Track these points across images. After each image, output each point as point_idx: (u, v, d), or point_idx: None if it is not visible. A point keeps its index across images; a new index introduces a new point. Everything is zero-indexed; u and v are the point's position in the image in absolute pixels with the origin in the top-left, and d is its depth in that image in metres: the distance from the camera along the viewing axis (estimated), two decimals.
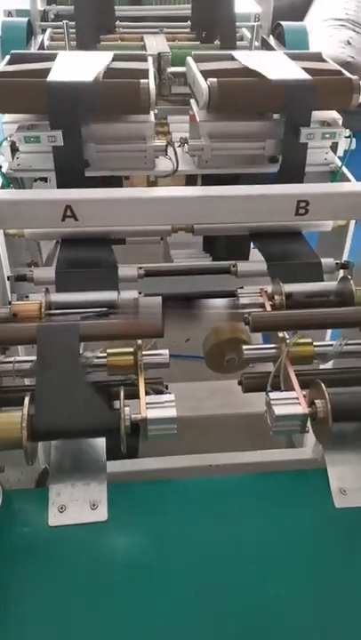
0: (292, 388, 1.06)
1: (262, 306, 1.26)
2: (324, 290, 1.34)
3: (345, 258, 1.57)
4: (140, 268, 1.41)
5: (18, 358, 1.12)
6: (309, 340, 1.16)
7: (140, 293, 1.29)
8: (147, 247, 1.75)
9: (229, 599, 0.95)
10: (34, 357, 1.08)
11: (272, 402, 1.02)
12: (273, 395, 1.04)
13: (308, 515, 1.04)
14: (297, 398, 1.03)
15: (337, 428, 1.03)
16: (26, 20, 2.39)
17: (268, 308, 1.24)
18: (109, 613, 0.93)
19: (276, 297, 1.27)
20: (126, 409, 1.00)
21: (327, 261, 1.45)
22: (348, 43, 5.17)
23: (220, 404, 2.21)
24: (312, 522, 1.04)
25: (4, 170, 1.48)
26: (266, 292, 1.29)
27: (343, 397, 1.03)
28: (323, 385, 1.02)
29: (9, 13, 2.78)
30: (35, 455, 1.02)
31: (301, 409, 1.01)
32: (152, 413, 0.99)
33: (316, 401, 1.03)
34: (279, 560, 0.99)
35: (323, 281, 1.39)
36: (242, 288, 1.32)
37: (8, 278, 1.39)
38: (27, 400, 0.98)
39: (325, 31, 5.47)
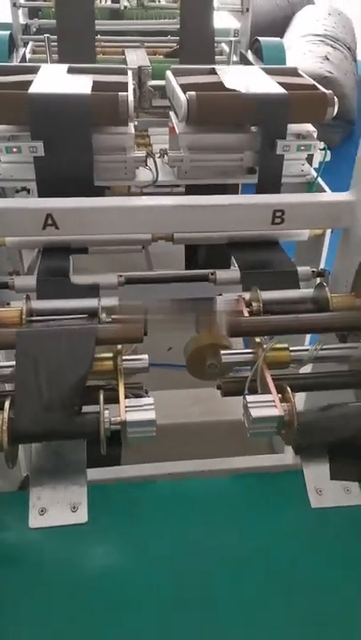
0: (268, 392, 1.09)
1: (240, 313, 1.29)
2: (300, 297, 1.38)
3: (322, 266, 1.61)
4: (120, 275, 1.43)
5: None
6: (285, 346, 1.19)
7: (120, 300, 1.31)
8: (129, 257, 1.77)
9: (211, 598, 0.97)
10: (13, 362, 1.10)
11: (249, 405, 1.04)
12: (250, 398, 1.07)
13: (285, 514, 1.07)
14: (273, 401, 1.06)
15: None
16: (7, 33, 2.42)
17: (246, 315, 1.27)
18: (91, 613, 0.94)
19: (254, 304, 1.30)
20: (106, 412, 1.02)
21: (304, 270, 1.48)
22: (326, 58, 5.28)
23: (202, 411, 2.23)
24: (289, 521, 1.06)
25: None
26: (244, 299, 1.33)
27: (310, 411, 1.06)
28: (289, 390, 1.05)
29: None
30: (15, 459, 1.03)
31: (277, 411, 1.03)
32: (131, 416, 1.01)
33: (282, 404, 1.05)
34: (258, 559, 1.01)
35: (299, 288, 1.43)
36: (220, 295, 1.35)
37: None
38: (7, 404, 1.00)
39: (304, 47, 5.59)
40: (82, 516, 1.02)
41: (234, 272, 1.47)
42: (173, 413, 2.21)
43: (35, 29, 2.87)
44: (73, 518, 1.02)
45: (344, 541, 1.03)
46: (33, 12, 2.92)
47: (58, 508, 1.03)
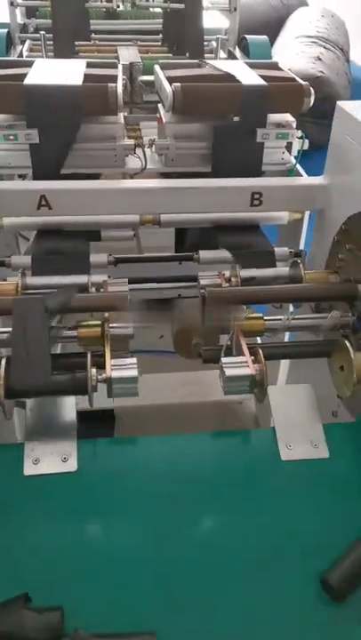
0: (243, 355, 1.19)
1: (220, 286, 1.39)
2: (276, 274, 1.48)
3: (301, 248, 1.71)
4: (110, 255, 1.53)
5: None
6: (260, 315, 1.29)
7: (108, 277, 1.41)
8: (121, 245, 1.87)
9: (196, 539, 1.06)
10: (9, 329, 1.20)
11: (224, 365, 1.15)
12: (225, 359, 1.17)
13: (259, 464, 1.16)
14: (246, 362, 1.16)
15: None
16: (5, 31, 2.52)
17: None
18: (79, 558, 1.04)
19: (233, 279, 1.40)
20: (93, 370, 1.12)
21: (282, 250, 1.58)
22: (319, 58, 5.39)
23: (188, 393, 2.33)
24: (264, 473, 1.16)
25: None
26: (223, 275, 1.43)
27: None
28: (261, 352, 1.16)
29: None
30: (11, 412, 1.13)
31: (249, 371, 1.13)
32: (116, 373, 1.11)
33: (255, 365, 1.15)
34: (238, 505, 1.11)
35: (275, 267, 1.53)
36: (203, 272, 1.45)
37: None
38: (3, 361, 1.10)
39: (297, 47, 5.70)
40: (72, 465, 1.12)
41: (215, 252, 1.57)
42: (161, 395, 2.31)
43: (32, 29, 2.98)
44: (63, 467, 1.12)
45: (311, 488, 1.13)
46: (31, 12, 3.03)
47: (50, 458, 1.13)
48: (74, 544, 1.04)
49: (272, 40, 6.19)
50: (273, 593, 1.00)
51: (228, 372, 1.13)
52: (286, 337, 2.08)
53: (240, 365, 1.15)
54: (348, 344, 1.16)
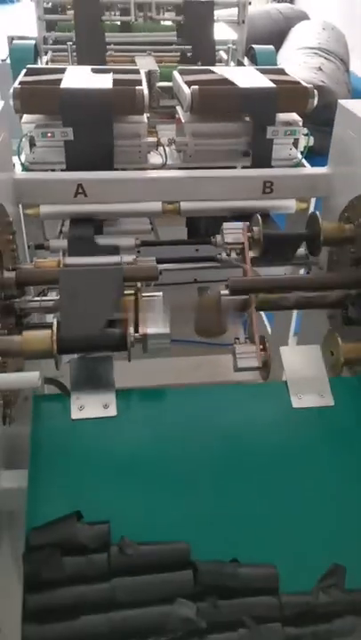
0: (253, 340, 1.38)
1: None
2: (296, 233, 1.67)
3: None
4: (137, 238, 1.72)
5: (43, 298, 1.42)
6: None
7: (137, 257, 1.60)
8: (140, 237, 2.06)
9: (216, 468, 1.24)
10: (53, 298, 1.38)
11: (237, 355, 1.35)
12: (238, 349, 1.36)
13: (275, 411, 1.34)
14: (254, 353, 1.35)
15: None
16: (33, 42, 2.73)
17: (247, 243, 1.50)
18: (120, 484, 1.21)
19: (255, 228, 1.52)
20: (130, 329, 1.30)
21: None
22: (320, 69, 5.62)
23: (203, 374, 2.51)
24: (278, 417, 1.33)
25: (23, 161, 1.79)
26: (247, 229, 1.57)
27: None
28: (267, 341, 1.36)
29: (12, 39, 3.13)
30: (60, 365, 1.31)
31: (256, 363, 1.34)
32: (151, 330, 1.29)
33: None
34: (256, 440, 1.29)
35: None
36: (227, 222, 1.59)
37: (28, 247, 1.70)
38: (55, 321, 1.28)
39: (299, 58, 5.93)
40: (112, 411, 1.30)
41: None
42: (178, 376, 2.49)
43: (51, 41, 3.19)
44: (105, 412, 1.30)
45: (320, 431, 1.31)
46: (50, 26, 3.24)
47: (93, 405, 1.30)
48: (116, 473, 1.22)
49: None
50: (289, 508, 1.17)
51: (240, 363, 1.33)
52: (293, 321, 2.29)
53: (249, 356, 1.34)
54: (336, 335, 1.35)
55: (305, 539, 1.16)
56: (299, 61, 5.81)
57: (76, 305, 1.32)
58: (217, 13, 3.26)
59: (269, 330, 2.41)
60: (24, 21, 3.29)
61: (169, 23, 3.26)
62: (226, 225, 1.51)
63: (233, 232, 1.50)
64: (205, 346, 2.46)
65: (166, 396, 1.37)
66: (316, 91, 1.81)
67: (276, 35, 6.86)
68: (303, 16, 7.37)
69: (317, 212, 1.57)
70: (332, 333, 1.38)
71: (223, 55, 2.86)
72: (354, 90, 6.18)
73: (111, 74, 1.88)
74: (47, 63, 2.67)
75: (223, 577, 1.06)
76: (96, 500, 1.17)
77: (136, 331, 1.32)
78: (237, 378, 1.44)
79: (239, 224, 1.51)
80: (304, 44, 6.32)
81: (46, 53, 2.85)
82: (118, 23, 3.27)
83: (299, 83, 1.89)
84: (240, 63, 2.76)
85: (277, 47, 6.56)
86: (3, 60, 3.28)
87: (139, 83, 1.83)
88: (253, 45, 2.81)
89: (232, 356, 1.38)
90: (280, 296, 1.44)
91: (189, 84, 1.85)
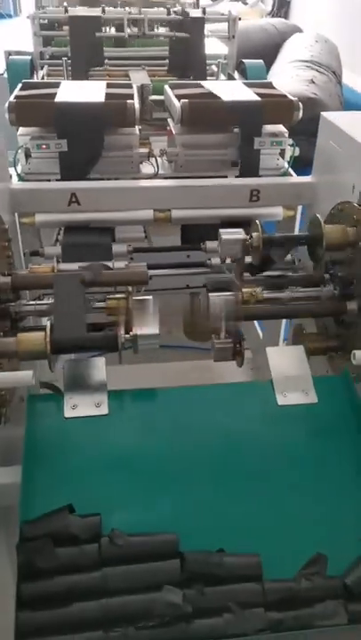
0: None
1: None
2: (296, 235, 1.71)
3: None
4: (130, 245, 1.78)
5: (37, 302, 1.47)
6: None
7: (128, 263, 1.66)
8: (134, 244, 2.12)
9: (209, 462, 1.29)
10: (47, 302, 1.44)
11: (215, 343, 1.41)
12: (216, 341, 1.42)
13: (261, 409, 1.40)
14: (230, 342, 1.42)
15: None
16: (29, 57, 2.81)
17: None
18: (111, 479, 1.26)
19: (254, 234, 1.51)
20: (121, 330, 1.36)
21: None
22: (312, 81, 5.72)
23: (198, 377, 2.57)
24: (264, 414, 1.39)
25: (19, 172, 1.85)
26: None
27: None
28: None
29: (9, 54, 3.22)
30: (54, 365, 1.37)
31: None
32: (141, 331, 1.35)
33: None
34: (244, 433, 1.34)
35: None
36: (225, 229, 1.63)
37: (24, 254, 1.76)
38: (48, 323, 1.34)
39: (292, 71, 6.04)
40: (104, 409, 1.35)
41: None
42: (173, 380, 2.55)
43: (48, 56, 3.28)
44: (97, 411, 1.35)
45: (303, 426, 1.36)
46: (47, 41, 3.33)
47: (85, 404, 1.36)
48: (106, 466, 1.27)
49: (268, 64, 6.55)
50: (274, 500, 1.23)
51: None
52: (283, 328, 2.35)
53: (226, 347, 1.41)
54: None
55: (289, 529, 1.21)
56: (291, 74, 5.92)
57: (68, 307, 1.38)
58: (210, 28, 3.36)
59: (261, 335, 2.47)
60: (22, 35, 3.37)
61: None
62: (223, 232, 1.49)
63: (230, 241, 1.48)
64: (200, 351, 2.51)
65: (156, 396, 1.42)
66: (300, 103, 1.88)
67: (270, 48, 6.99)
68: (297, 30, 7.51)
69: (318, 215, 1.52)
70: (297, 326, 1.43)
71: (215, 69, 2.94)
72: (346, 101, 6.28)
73: (104, 88, 1.95)
74: (43, 77, 2.75)
75: (209, 565, 1.11)
76: (88, 494, 1.22)
77: (127, 332, 1.37)
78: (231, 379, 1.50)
79: (238, 231, 1.49)
80: (297, 57, 6.43)
81: (42, 68, 2.93)
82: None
83: (285, 96, 1.96)
84: (231, 77, 2.84)
85: (271, 60, 6.71)
86: (0, 75, 3.36)
87: (130, 96, 1.90)
88: (244, 60, 2.90)
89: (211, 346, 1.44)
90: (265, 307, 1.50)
91: (180, 97, 1.92)
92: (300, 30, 7.56)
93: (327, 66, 6.35)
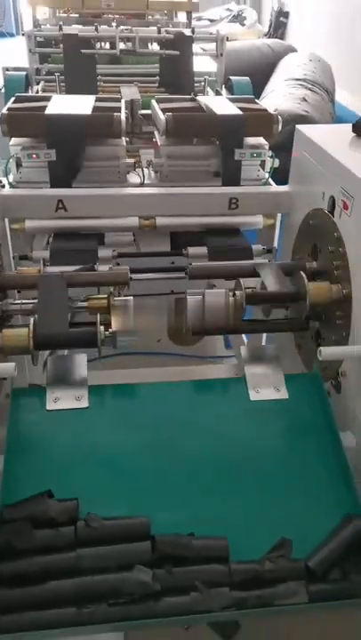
0: None
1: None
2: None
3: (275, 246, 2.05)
4: (114, 250, 1.86)
5: (23, 301, 1.55)
6: None
7: (112, 267, 1.74)
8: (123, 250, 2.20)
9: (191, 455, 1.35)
10: (33, 301, 1.51)
11: None
12: None
13: (234, 404, 1.47)
14: None
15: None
16: (24, 73, 2.92)
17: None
18: (89, 467, 1.33)
19: (238, 293, 1.55)
20: (101, 327, 1.43)
21: (256, 247, 1.92)
22: (304, 99, 5.85)
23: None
24: (237, 410, 1.46)
25: (10, 180, 1.93)
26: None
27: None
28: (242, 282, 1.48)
29: (6, 69, 3.33)
30: (37, 360, 1.44)
31: None
32: (119, 328, 1.42)
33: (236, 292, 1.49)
34: (216, 428, 1.41)
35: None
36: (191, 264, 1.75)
37: (13, 257, 1.84)
38: (32, 320, 1.41)
39: (285, 90, 6.18)
40: (84, 403, 1.42)
41: (202, 249, 1.90)
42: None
43: (44, 72, 3.39)
44: (77, 404, 1.42)
45: (274, 421, 1.43)
46: (43, 58, 3.45)
47: (66, 397, 1.43)
48: (85, 456, 1.33)
49: (263, 83, 6.73)
50: (244, 489, 1.29)
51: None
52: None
53: None
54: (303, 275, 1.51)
55: (258, 518, 1.27)
56: (284, 92, 6.05)
57: (52, 306, 1.46)
58: (203, 47, 3.48)
59: (245, 341, 2.54)
60: (22, 53, 3.49)
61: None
62: (207, 294, 1.55)
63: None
64: (190, 359, 2.57)
65: (135, 391, 1.49)
66: (280, 117, 1.97)
67: (265, 67, 7.15)
68: (291, 50, 7.68)
69: (302, 274, 1.54)
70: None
71: (203, 85, 3.05)
72: (338, 119, 6.42)
73: (93, 102, 2.04)
74: (38, 92, 2.85)
75: (178, 547, 1.17)
76: (66, 481, 1.28)
77: (106, 329, 1.45)
78: None
79: (220, 293, 1.55)
80: (290, 76, 6.58)
81: (38, 83, 3.04)
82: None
83: (265, 110, 2.05)
84: (218, 93, 2.95)
85: (266, 79, 6.87)
86: None
87: (118, 109, 1.99)
88: (231, 77, 3.01)
89: None
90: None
91: (165, 111, 2.01)
92: (294, 50, 7.74)
93: (320, 84, 6.50)
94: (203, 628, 1.57)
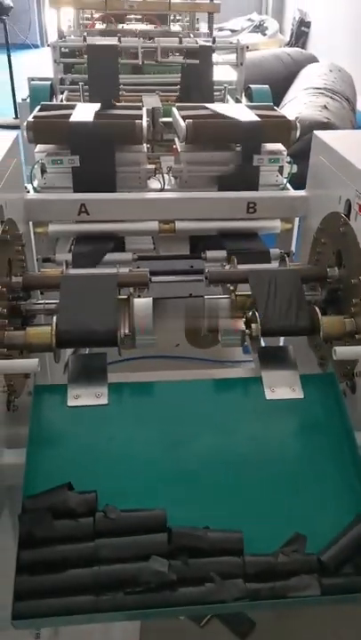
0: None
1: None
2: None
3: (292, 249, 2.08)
4: (135, 253, 1.91)
5: (46, 300, 1.60)
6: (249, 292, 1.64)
7: (132, 270, 1.78)
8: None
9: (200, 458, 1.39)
10: (55, 301, 1.57)
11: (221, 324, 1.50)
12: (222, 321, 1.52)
13: (250, 402, 1.49)
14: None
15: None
16: (49, 83, 3.00)
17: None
18: (108, 461, 1.37)
19: (253, 326, 1.55)
20: (121, 327, 1.47)
21: (274, 251, 1.95)
22: (325, 107, 5.88)
23: None
24: (253, 408, 1.48)
25: (35, 185, 2.00)
26: (224, 265, 1.78)
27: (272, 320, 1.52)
28: (257, 312, 1.51)
29: (32, 79, 3.42)
30: (59, 357, 1.48)
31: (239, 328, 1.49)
32: (139, 328, 1.46)
33: (252, 324, 1.51)
34: (233, 425, 1.44)
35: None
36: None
37: (37, 260, 1.89)
38: (54, 319, 1.46)
39: (305, 98, 6.21)
40: (104, 400, 1.46)
41: (220, 252, 1.93)
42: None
43: (68, 82, 3.48)
44: (98, 401, 1.46)
45: (289, 419, 1.46)
46: (67, 68, 3.53)
47: (87, 395, 1.47)
48: (104, 451, 1.37)
49: (283, 92, 6.77)
50: (260, 486, 1.32)
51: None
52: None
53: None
54: (317, 309, 1.50)
55: (273, 514, 1.30)
56: (305, 101, 6.09)
57: (73, 305, 1.50)
58: (223, 57, 3.54)
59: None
60: (47, 64, 3.59)
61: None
62: (223, 322, 1.57)
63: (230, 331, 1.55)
64: (208, 363, 2.61)
65: (153, 389, 1.53)
66: (299, 124, 2.01)
67: (286, 76, 7.20)
68: (312, 59, 7.72)
69: (316, 308, 1.54)
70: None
71: (223, 93, 3.10)
72: (359, 128, 6.43)
73: (115, 110, 2.10)
74: (62, 101, 2.93)
75: (194, 539, 1.20)
76: (85, 474, 1.32)
77: (127, 329, 1.49)
78: None
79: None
80: (311, 85, 6.61)
81: (62, 93, 3.12)
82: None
83: (284, 117, 2.09)
84: (238, 101, 3.00)
85: (286, 88, 6.92)
86: (23, 100, 3.57)
87: (139, 117, 2.05)
88: (250, 85, 3.05)
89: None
90: None
91: (185, 118, 2.06)
92: (315, 60, 7.77)
93: (341, 93, 6.52)
94: (218, 626, 1.60)
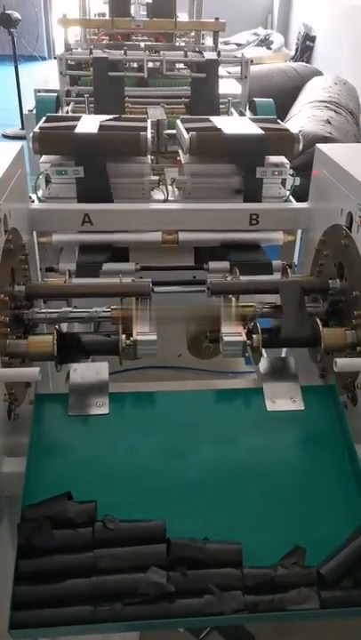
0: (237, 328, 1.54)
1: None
2: (271, 279, 1.84)
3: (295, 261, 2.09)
4: (137, 264, 1.92)
5: (49, 310, 1.61)
6: (251, 303, 1.64)
7: (134, 279, 1.79)
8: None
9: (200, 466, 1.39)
10: (58, 310, 1.57)
11: (223, 334, 1.50)
12: (224, 329, 1.52)
13: (251, 414, 1.49)
14: (240, 333, 1.51)
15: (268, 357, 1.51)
16: (55, 95, 3.04)
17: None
18: (108, 471, 1.37)
19: (255, 337, 1.57)
20: (123, 336, 1.48)
21: (277, 263, 1.96)
22: (328, 121, 5.91)
23: None
24: (254, 419, 1.48)
25: (39, 195, 2.01)
26: (225, 277, 1.78)
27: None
28: (258, 324, 1.51)
29: (38, 91, 3.46)
30: (60, 367, 1.49)
31: (241, 339, 1.49)
32: (140, 337, 1.47)
33: (253, 335, 1.51)
34: (233, 436, 1.44)
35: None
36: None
37: (40, 269, 1.91)
38: (56, 327, 1.47)
39: (309, 112, 6.25)
40: (105, 409, 1.46)
41: (223, 263, 1.94)
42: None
43: (74, 94, 3.51)
44: (99, 410, 1.46)
45: (290, 431, 1.46)
46: (74, 80, 3.56)
47: (88, 404, 1.48)
48: (104, 461, 1.37)
49: (289, 106, 6.82)
50: (260, 498, 1.31)
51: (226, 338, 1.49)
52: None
53: (235, 335, 1.51)
54: (318, 321, 1.51)
55: (273, 526, 1.29)
56: (308, 114, 6.12)
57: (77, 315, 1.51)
58: (230, 70, 3.57)
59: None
60: (54, 76, 3.62)
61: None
62: (225, 334, 1.54)
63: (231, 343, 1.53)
64: (210, 374, 2.61)
65: (154, 399, 1.54)
66: (301, 137, 2.02)
67: (290, 90, 7.25)
68: (317, 73, 7.78)
69: (317, 320, 1.56)
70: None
71: (228, 106, 3.13)
72: None
73: (120, 122, 2.12)
74: (67, 113, 2.96)
75: (193, 550, 1.20)
76: (85, 484, 1.32)
77: (128, 338, 1.50)
78: None
79: (237, 333, 1.54)
80: (315, 98, 6.65)
81: (68, 104, 3.15)
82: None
83: (287, 130, 2.11)
84: (242, 114, 3.02)
85: (291, 102, 6.96)
86: (30, 111, 3.60)
87: (144, 129, 2.07)
88: (254, 99, 3.08)
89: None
90: None
91: (189, 130, 2.08)
92: (320, 73, 7.83)
93: (345, 106, 6.56)
94: (217, 639, 1.58)
